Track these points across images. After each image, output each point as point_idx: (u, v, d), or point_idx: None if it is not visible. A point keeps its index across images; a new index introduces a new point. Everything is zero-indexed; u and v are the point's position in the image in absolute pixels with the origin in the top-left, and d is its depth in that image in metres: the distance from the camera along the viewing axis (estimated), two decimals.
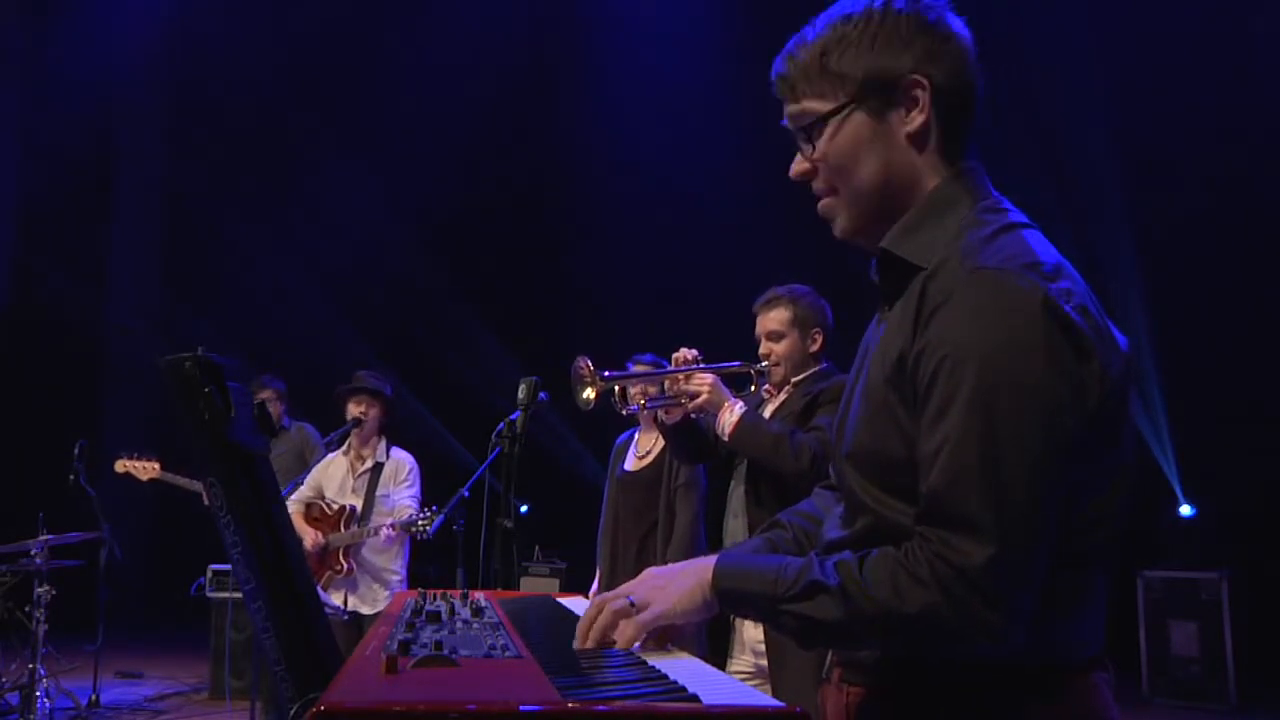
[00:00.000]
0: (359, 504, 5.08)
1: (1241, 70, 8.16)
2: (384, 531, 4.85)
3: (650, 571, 1.46)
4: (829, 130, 1.36)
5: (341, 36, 11.28)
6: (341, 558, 4.99)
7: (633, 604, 1.37)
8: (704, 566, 1.37)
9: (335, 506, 5.11)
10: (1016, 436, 1.15)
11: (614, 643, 1.35)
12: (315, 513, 5.14)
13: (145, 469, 5.81)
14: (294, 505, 5.16)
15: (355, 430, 5.13)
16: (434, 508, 4.75)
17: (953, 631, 1.17)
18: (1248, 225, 8.00)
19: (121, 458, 5.86)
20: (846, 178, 1.37)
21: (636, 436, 4.66)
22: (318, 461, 5.42)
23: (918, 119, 1.33)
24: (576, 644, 1.36)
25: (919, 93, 1.32)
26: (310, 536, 4.97)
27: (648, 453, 4.52)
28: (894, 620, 1.19)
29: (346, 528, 5.01)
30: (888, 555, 1.21)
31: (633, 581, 1.44)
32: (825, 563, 1.25)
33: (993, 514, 1.14)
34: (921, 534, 1.19)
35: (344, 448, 5.25)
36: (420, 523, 4.70)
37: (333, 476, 5.22)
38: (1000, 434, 1.15)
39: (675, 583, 1.37)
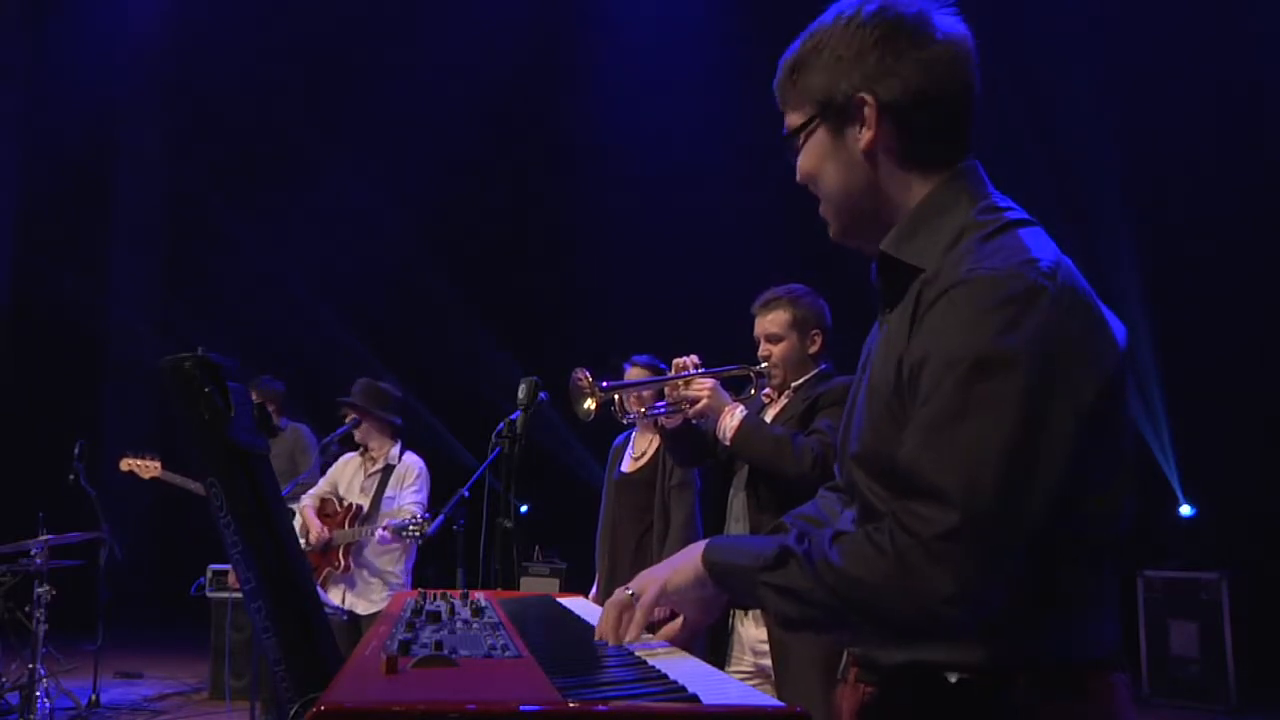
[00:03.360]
0: (366, 503, 5.09)
1: (1243, 70, 8.17)
2: (379, 533, 4.86)
3: (645, 571, 1.50)
4: (800, 144, 1.43)
5: (342, 36, 11.28)
6: (341, 555, 4.99)
7: (632, 594, 1.43)
8: (697, 545, 1.42)
9: (345, 504, 5.12)
10: (989, 418, 1.15)
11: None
12: (328, 509, 5.16)
13: (147, 468, 5.86)
14: (310, 500, 5.19)
15: (357, 438, 5.15)
16: (426, 515, 4.76)
17: (908, 602, 1.15)
18: (1249, 225, 8.00)
19: (126, 456, 5.89)
20: (818, 189, 1.44)
21: (633, 438, 4.67)
22: (317, 463, 5.42)
23: (866, 135, 1.36)
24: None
25: (866, 110, 1.35)
26: (316, 531, 4.98)
27: (643, 454, 4.53)
28: (852, 590, 1.19)
29: (350, 526, 5.03)
30: (861, 529, 1.23)
31: (634, 580, 1.48)
32: (805, 537, 1.27)
33: (955, 482, 1.14)
34: (891, 509, 1.20)
35: (360, 447, 5.27)
36: (411, 528, 4.69)
37: (345, 475, 5.25)
38: (973, 414, 1.15)
39: (669, 563, 1.44)
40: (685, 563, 1.40)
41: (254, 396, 5.72)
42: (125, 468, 5.89)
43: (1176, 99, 8.19)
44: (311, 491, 5.25)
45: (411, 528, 4.69)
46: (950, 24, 1.36)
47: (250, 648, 6.36)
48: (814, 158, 1.41)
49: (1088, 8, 8.48)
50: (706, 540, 1.41)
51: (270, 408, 5.91)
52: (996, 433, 1.14)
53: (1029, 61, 8.00)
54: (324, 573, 5.01)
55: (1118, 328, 1.30)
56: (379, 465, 5.19)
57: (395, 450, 5.21)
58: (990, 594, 1.15)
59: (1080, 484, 1.20)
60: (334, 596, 5.02)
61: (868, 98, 1.34)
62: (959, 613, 1.14)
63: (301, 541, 5.18)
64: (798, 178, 1.46)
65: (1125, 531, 1.27)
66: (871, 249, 1.43)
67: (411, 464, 5.19)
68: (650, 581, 1.41)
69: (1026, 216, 1.35)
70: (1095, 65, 8.25)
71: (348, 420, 5.13)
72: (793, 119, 1.43)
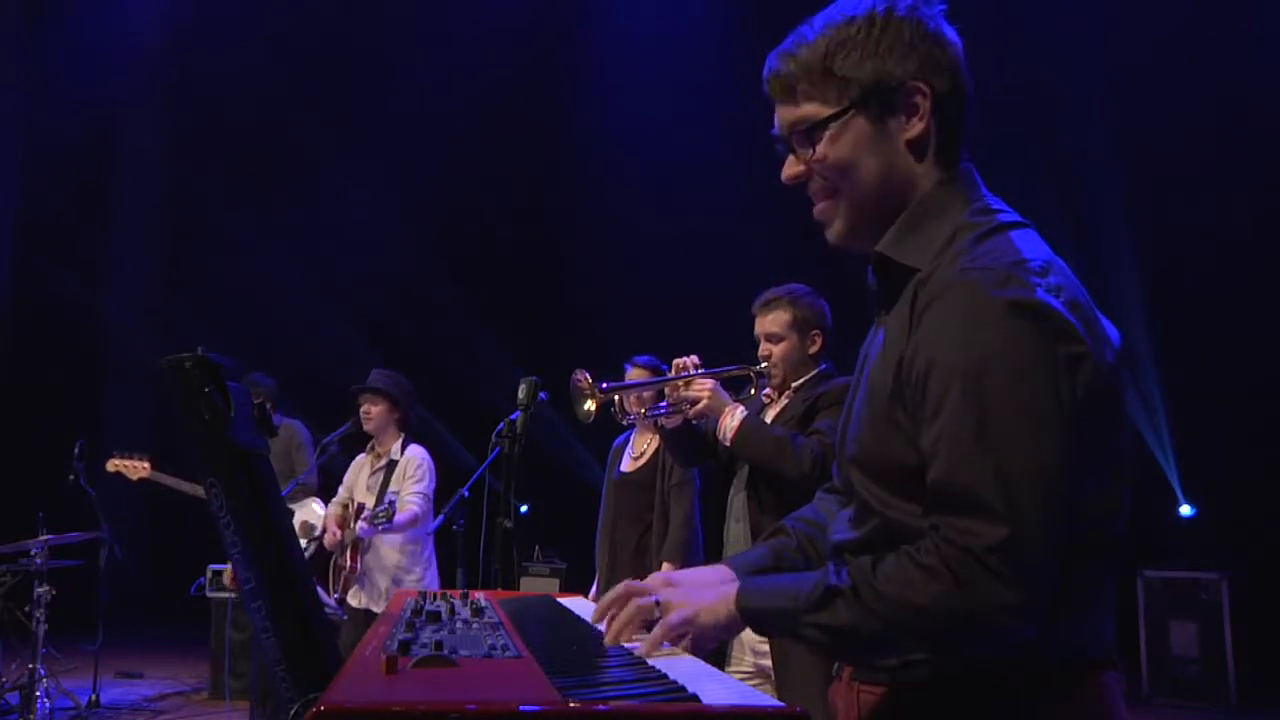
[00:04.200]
0: (370, 501, 5.06)
1: (1243, 70, 8.16)
2: (359, 525, 4.84)
3: (661, 576, 1.48)
4: (829, 134, 1.36)
5: (342, 36, 11.27)
6: (349, 556, 4.98)
7: (658, 604, 1.39)
8: (728, 585, 1.38)
9: (357, 505, 5.11)
10: (1012, 424, 1.16)
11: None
12: (347, 515, 5.14)
13: (136, 468, 5.77)
14: (335, 507, 5.18)
15: (367, 429, 5.13)
16: (392, 503, 4.74)
17: (967, 616, 1.16)
18: (1248, 225, 8.00)
19: (113, 456, 5.81)
20: (847, 182, 1.38)
21: (632, 438, 4.67)
22: (314, 461, 5.40)
23: (918, 126, 1.34)
24: (594, 618, 1.40)
25: (920, 100, 1.34)
26: (330, 535, 4.98)
27: (642, 454, 4.54)
28: (907, 615, 1.18)
29: (355, 524, 5.01)
30: (900, 553, 1.22)
31: (652, 579, 1.46)
32: (841, 569, 1.26)
33: (998, 494, 1.15)
34: (931, 525, 1.20)
35: (368, 446, 5.26)
36: (380, 514, 4.67)
37: (359, 476, 5.25)
38: (995, 422, 1.17)
39: (701, 595, 1.39)
40: (716, 603, 1.36)
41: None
42: (112, 468, 5.79)
43: (1176, 99, 8.18)
44: (335, 500, 5.26)
45: (380, 513, 4.66)
46: (953, 32, 1.39)
47: (250, 648, 6.36)
48: (848, 148, 1.36)
49: (1088, 8, 8.48)
50: (737, 584, 1.38)
51: (268, 405, 5.85)
52: (1015, 438, 1.16)
53: (1029, 62, 8.00)
54: (342, 576, 5.00)
55: (1110, 330, 1.30)
56: (383, 461, 5.17)
57: (399, 445, 5.19)
58: (1044, 598, 1.16)
59: (1084, 482, 1.21)
60: (351, 598, 4.99)
61: (924, 87, 1.33)
62: (1021, 622, 1.15)
63: (307, 543, 5.17)
64: (798, 172, 1.41)
65: (1122, 530, 1.28)
66: (870, 249, 1.42)
67: (414, 456, 5.12)
68: (678, 604, 1.37)
69: (1019, 218, 1.36)
70: (1095, 66, 8.24)
71: (361, 410, 5.09)
72: (812, 109, 1.37)
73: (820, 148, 1.37)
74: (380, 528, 4.70)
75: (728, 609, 1.35)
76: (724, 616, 1.35)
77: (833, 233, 1.43)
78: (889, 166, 1.36)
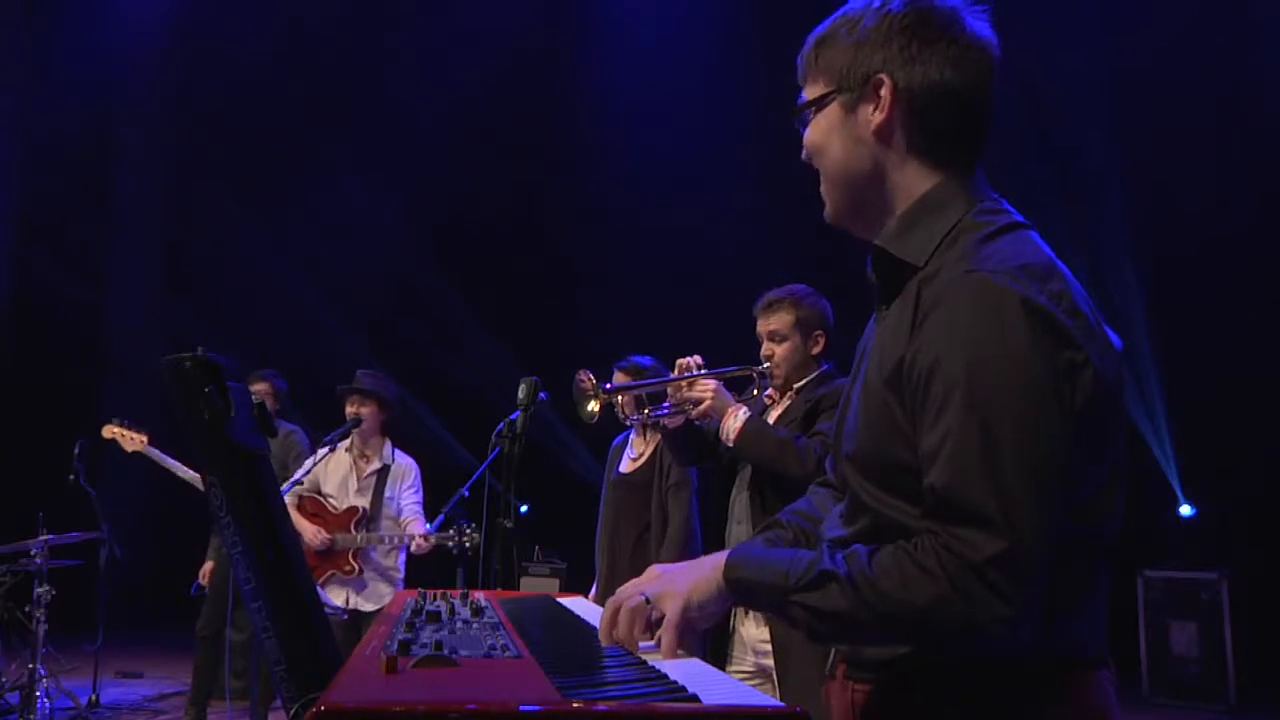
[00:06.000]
0: (365, 504, 5.08)
1: (1242, 67, 8.16)
2: (417, 540, 4.91)
3: (656, 568, 1.47)
4: (811, 117, 1.44)
5: (342, 35, 11.28)
6: (351, 559, 5.00)
7: (648, 600, 1.38)
8: (716, 559, 1.39)
9: (343, 506, 5.10)
10: (1013, 432, 1.16)
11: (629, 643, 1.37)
12: (312, 508, 5.12)
13: (133, 440, 5.67)
14: (289, 499, 5.15)
15: (356, 430, 5.12)
16: (434, 530, 4.83)
17: (961, 624, 1.16)
18: (1248, 224, 8.00)
19: (111, 423, 5.71)
20: (823, 165, 1.45)
21: (631, 438, 4.67)
22: (305, 469, 5.39)
23: (878, 117, 1.37)
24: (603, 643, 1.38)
25: (883, 92, 1.36)
26: (310, 532, 4.96)
27: (641, 455, 4.54)
28: (901, 612, 1.19)
29: (356, 529, 5.02)
30: (898, 548, 1.22)
31: (639, 579, 1.45)
32: (836, 554, 1.26)
33: (998, 507, 1.15)
34: (929, 529, 1.20)
35: (346, 444, 5.23)
36: (453, 537, 4.77)
37: (333, 473, 5.19)
38: (997, 430, 1.17)
39: (688, 575, 1.39)
40: (705, 577, 1.36)
41: (255, 386, 5.64)
42: (109, 434, 5.71)
43: (1178, 98, 8.19)
44: (286, 490, 5.20)
45: (458, 538, 4.79)
46: (980, 26, 1.38)
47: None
48: (822, 131, 1.42)
49: (1087, 7, 8.48)
50: (725, 554, 1.38)
51: (268, 403, 5.77)
52: (1016, 447, 1.16)
53: (1030, 59, 8.00)
54: (327, 574, 5.00)
55: (1113, 337, 1.31)
56: (374, 466, 5.17)
57: (388, 449, 5.22)
58: (1037, 610, 1.17)
59: (1079, 486, 1.21)
60: (338, 598, 5.00)
61: (886, 79, 1.35)
62: (1015, 632, 1.16)
63: None
64: (803, 154, 1.47)
65: (1118, 532, 1.28)
66: (864, 234, 1.44)
67: (407, 464, 5.24)
68: (669, 595, 1.37)
69: (1023, 220, 1.36)
70: (1095, 65, 8.24)
71: (351, 412, 5.09)
72: (809, 92, 1.45)
73: (807, 130, 1.45)
74: (455, 548, 4.80)
75: (717, 583, 1.36)
76: (715, 590, 1.35)
77: (826, 212, 1.49)
78: (854, 154, 1.40)
